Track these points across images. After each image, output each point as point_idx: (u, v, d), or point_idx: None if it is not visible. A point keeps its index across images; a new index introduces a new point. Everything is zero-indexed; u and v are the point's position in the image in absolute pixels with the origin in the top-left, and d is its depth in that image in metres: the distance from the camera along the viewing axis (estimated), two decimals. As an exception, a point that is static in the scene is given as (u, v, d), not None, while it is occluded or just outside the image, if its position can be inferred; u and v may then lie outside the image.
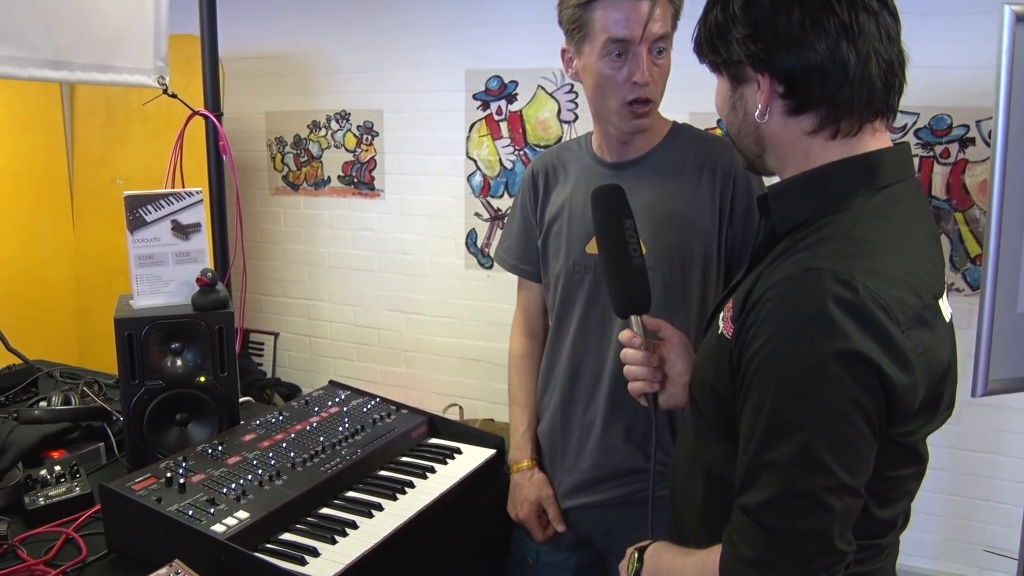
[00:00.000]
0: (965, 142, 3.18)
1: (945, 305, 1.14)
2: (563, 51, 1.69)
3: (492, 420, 4.04)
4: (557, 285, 1.79)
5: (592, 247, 1.71)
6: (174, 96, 2.40)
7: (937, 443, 1.20)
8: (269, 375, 4.76)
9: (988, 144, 3.14)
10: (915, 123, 3.22)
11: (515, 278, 1.97)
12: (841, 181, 1.12)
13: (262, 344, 4.85)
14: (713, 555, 1.10)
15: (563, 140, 3.85)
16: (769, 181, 1.25)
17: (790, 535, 1.01)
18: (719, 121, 3.42)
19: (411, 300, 4.42)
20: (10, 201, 3.99)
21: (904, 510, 1.19)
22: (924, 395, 1.05)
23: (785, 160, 1.17)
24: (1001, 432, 3.26)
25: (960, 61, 2.99)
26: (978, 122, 3.15)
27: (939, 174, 3.24)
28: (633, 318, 1.42)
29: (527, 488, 1.83)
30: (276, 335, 4.84)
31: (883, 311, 0.99)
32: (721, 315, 1.19)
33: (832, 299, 0.99)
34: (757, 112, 1.14)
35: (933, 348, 1.06)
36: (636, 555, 1.29)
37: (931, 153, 3.22)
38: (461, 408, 4.20)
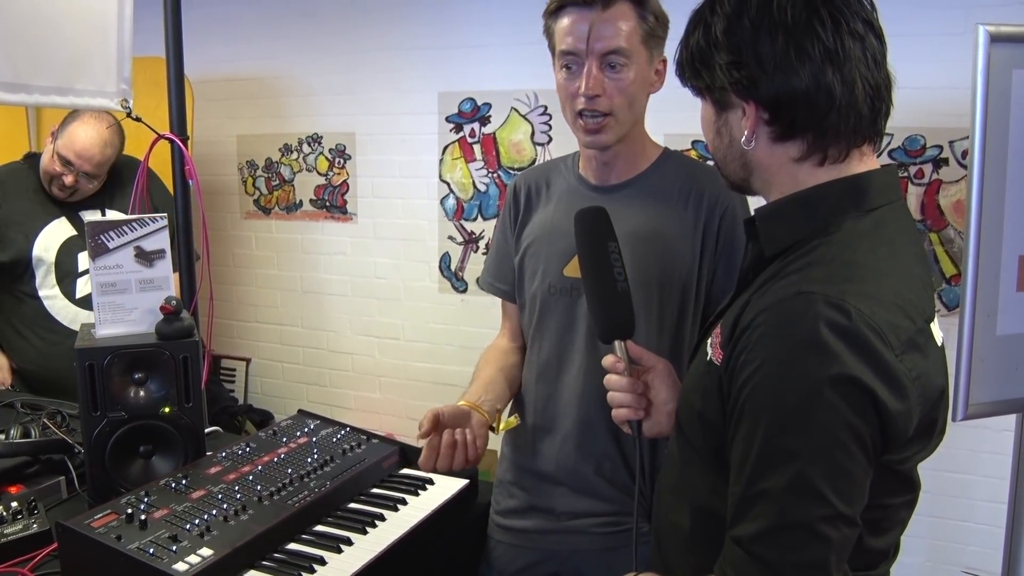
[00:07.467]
0: (939, 162, 3.19)
1: (936, 329, 1.12)
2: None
3: (467, 446, 3.98)
4: (533, 307, 1.75)
5: (570, 270, 1.68)
6: (138, 120, 2.35)
7: (914, 464, 1.16)
8: (241, 402, 4.68)
9: (961, 164, 3.15)
10: (889, 144, 3.22)
11: (490, 302, 1.93)
12: (830, 203, 1.10)
13: (234, 370, 4.77)
14: None
15: (537, 163, 3.84)
16: (754, 205, 1.22)
17: (785, 567, 0.97)
18: (694, 143, 3.42)
19: (385, 325, 4.37)
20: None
21: (896, 540, 1.16)
22: (918, 421, 1.03)
23: (771, 185, 1.15)
24: (978, 452, 3.25)
25: (933, 81, 2.99)
26: (951, 142, 3.16)
27: (913, 195, 3.24)
28: (617, 343, 1.38)
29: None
30: (248, 361, 4.76)
31: (876, 335, 0.97)
32: (709, 341, 1.16)
33: (825, 323, 0.96)
34: (743, 139, 1.11)
35: (927, 373, 1.04)
36: None
37: (905, 174, 3.23)
38: (436, 434, 4.14)
